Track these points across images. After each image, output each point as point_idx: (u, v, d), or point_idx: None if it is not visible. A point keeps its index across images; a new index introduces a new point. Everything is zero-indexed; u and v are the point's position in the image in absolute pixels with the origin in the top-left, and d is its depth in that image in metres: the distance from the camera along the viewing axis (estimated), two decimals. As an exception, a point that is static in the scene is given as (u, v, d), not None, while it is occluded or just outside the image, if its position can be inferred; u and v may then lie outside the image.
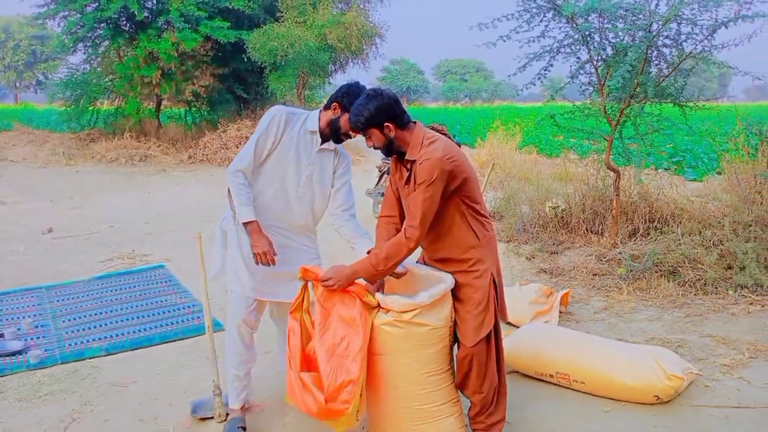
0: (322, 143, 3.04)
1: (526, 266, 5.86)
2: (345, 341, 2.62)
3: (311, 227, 3.18)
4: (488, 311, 2.74)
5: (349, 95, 2.92)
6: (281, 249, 2.97)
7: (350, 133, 2.94)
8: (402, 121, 2.71)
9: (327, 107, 3.01)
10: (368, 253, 2.81)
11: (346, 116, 2.89)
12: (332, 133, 3.00)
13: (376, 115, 2.66)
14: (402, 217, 2.92)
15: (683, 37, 5.24)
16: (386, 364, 2.72)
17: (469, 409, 2.89)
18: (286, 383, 2.73)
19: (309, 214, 3.11)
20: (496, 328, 2.82)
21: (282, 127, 2.95)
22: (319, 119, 3.01)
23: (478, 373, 2.76)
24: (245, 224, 2.90)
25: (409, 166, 2.71)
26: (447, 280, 2.76)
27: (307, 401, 2.62)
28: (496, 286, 2.79)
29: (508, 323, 4.45)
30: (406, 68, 70.58)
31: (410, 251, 2.67)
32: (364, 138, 2.77)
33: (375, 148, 2.77)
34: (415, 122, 2.76)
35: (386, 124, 2.67)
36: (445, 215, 2.72)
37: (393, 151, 2.76)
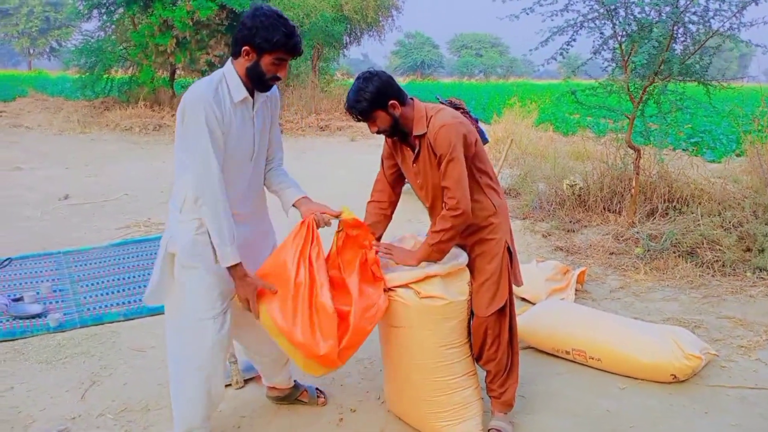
0: (254, 100, 2.48)
1: (542, 243, 5.83)
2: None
3: (263, 194, 2.73)
4: (502, 281, 2.74)
5: (259, 31, 2.29)
6: (247, 248, 2.49)
7: (278, 76, 2.40)
8: (404, 97, 2.63)
9: (236, 55, 2.38)
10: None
11: (266, 58, 2.33)
12: (256, 83, 2.41)
13: (378, 96, 2.55)
14: (392, 203, 2.91)
15: (711, 13, 5.13)
16: (404, 337, 2.73)
17: (486, 377, 2.90)
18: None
19: (259, 180, 2.66)
20: (509, 296, 2.82)
21: (218, 112, 2.32)
22: (238, 75, 2.40)
23: (492, 341, 2.78)
24: (228, 268, 2.39)
25: (417, 142, 2.65)
26: (461, 256, 2.76)
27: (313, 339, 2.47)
28: (510, 253, 2.79)
29: (524, 299, 4.46)
30: (421, 42, 69.81)
31: (463, 220, 2.60)
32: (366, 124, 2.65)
33: (379, 132, 2.65)
34: (412, 98, 2.69)
35: (390, 102, 2.57)
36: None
37: (398, 131, 2.66)
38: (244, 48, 2.33)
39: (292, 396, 3.07)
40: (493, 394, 2.90)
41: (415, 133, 2.63)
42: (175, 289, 2.49)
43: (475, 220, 2.73)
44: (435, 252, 2.65)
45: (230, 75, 2.40)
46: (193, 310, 2.46)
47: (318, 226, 2.59)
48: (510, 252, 2.79)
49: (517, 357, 2.91)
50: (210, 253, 2.41)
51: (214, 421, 2.86)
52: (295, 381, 3.07)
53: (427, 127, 2.60)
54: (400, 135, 2.69)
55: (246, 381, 3.29)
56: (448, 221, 2.59)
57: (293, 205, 2.68)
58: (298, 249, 2.50)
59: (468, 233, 2.78)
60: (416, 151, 2.67)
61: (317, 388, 3.14)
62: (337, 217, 2.66)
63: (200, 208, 2.35)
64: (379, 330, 2.89)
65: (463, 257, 2.76)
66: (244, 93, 2.41)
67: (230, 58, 2.43)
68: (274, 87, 2.62)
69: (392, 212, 2.94)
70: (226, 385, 3.22)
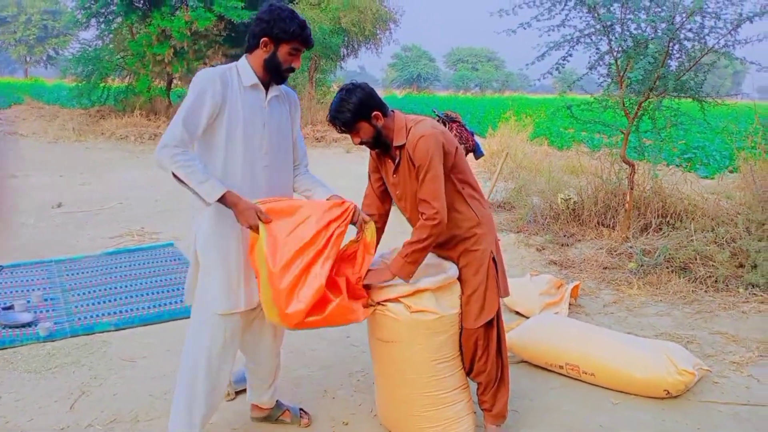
0: (267, 92, 2.56)
1: (536, 257, 5.83)
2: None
3: (289, 190, 2.75)
4: (489, 293, 2.74)
5: (277, 22, 2.42)
6: None
7: (293, 67, 2.52)
8: (385, 108, 2.66)
9: (252, 48, 2.50)
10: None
11: (283, 48, 2.45)
12: (273, 75, 2.52)
13: (362, 107, 2.58)
14: (382, 216, 2.90)
15: (707, 30, 5.18)
16: (396, 351, 2.72)
17: (477, 389, 2.90)
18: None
19: (285, 181, 2.68)
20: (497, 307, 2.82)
21: (219, 89, 2.40)
22: (252, 67, 2.51)
23: (482, 353, 2.78)
24: (220, 200, 2.38)
25: (397, 153, 2.67)
26: (450, 270, 2.75)
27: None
28: (496, 264, 2.78)
29: (517, 313, 4.45)
30: (417, 55, 70.24)
31: (437, 231, 2.60)
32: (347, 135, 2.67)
33: (362, 143, 2.67)
34: (393, 110, 2.72)
35: (374, 113, 2.60)
36: (446, 194, 2.68)
37: (381, 143, 2.68)
38: (262, 39, 2.45)
39: (274, 416, 3.01)
40: (485, 407, 2.89)
41: (395, 143, 2.65)
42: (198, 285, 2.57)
43: (458, 231, 2.74)
44: (409, 263, 2.63)
45: (241, 64, 2.53)
46: (205, 306, 2.53)
47: (353, 219, 2.61)
48: (495, 262, 2.78)
49: (507, 368, 2.91)
50: (224, 242, 2.48)
51: (204, 433, 2.84)
52: (278, 400, 3.03)
53: (407, 137, 2.62)
54: (382, 147, 2.70)
55: (237, 393, 3.26)
56: (424, 231, 2.60)
57: None
58: (326, 219, 2.50)
59: (452, 245, 2.78)
60: (396, 162, 2.68)
61: (301, 409, 3.07)
62: (362, 228, 2.67)
63: (162, 160, 2.34)
64: (370, 344, 2.88)
65: (453, 270, 2.75)
66: (255, 79, 2.50)
67: (244, 54, 2.55)
68: (293, 92, 2.75)
69: (383, 224, 2.93)
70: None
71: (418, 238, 2.61)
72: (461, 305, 2.76)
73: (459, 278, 2.77)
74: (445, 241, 2.78)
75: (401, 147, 2.64)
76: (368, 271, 2.68)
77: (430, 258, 2.88)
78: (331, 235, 2.49)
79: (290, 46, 2.47)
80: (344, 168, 11.00)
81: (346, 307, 2.52)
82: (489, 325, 2.76)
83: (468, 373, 2.86)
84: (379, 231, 2.89)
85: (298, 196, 2.78)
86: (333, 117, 2.64)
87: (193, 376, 2.57)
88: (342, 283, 2.55)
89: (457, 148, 2.72)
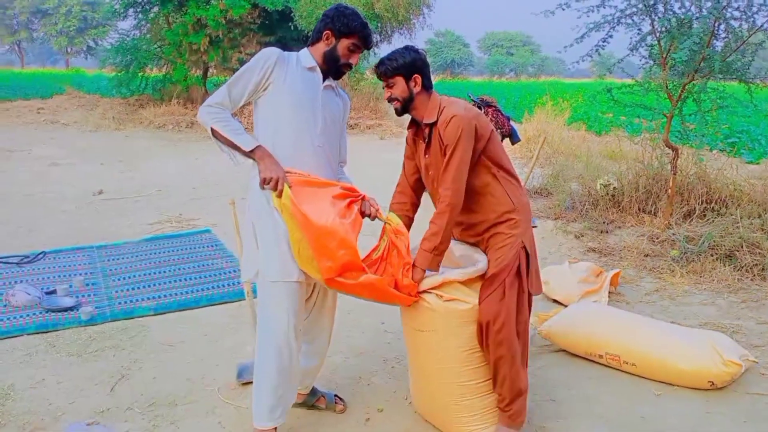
0: (324, 80, 2.64)
1: (575, 244, 5.72)
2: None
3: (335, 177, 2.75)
4: (507, 282, 2.60)
5: (340, 17, 2.58)
6: None
7: (351, 63, 2.64)
8: (428, 82, 2.68)
9: (316, 40, 2.63)
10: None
11: (343, 42, 2.58)
12: (331, 67, 2.63)
13: (409, 64, 2.62)
14: (413, 205, 2.87)
15: (755, 8, 4.96)
16: (431, 340, 2.69)
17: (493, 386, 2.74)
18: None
19: (329, 168, 2.67)
20: (526, 299, 2.69)
21: (271, 65, 2.51)
22: (313, 56, 2.63)
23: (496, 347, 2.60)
24: (251, 154, 2.49)
25: (428, 131, 2.66)
26: (480, 262, 2.68)
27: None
28: (528, 255, 2.68)
29: (555, 301, 4.37)
30: (451, 40, 69.52)
31: (453, 216, 2.58)
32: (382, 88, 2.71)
33: (391, 100, 2.70)
34: (434, 91, 2.72)
35: (415, 75, 2.64)
36: (477, 179, 2.66)
37: (408, 110, 2.69)
38: (325, 32, 2.59)
39: (309, 402, 3.00)
40: (501, 405, 2.70)
41: (426, 120, 2.65)
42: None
43: (491, 215, 2.69)
44: (435, 255, 2.60)
45: (302, 52, 2.65)
46: (271, 276, 2.53)
47: (362, 209, 2.62)
48: (527, 253, 2.68)
49: (526, 369, 2.73)
50: (274, 215, 2.50)
51: (238, 418, 2.86)
52: (313, 387, 3.01)
53: (438, 116, 2.60)
54: (409, 114, 2.71)
55: (244, 384, 3.26)
56: (440, 218, 2.58)
57: None
58: (342, 191, 2.56)
59: (483, 228, 2.72)
60: (427, 140, 2.67)
61: (336, 395, 3.06)
62: (382, 219, 2.68)
63: (202, 117, 2.51)
64: (404, 333, 2.86)
65: (483, 263, 2.68)
66: (313, 63, 2.61)
67: (308, 47, 2.67)
68: (347, 96, 2.83)
69: (414, 214, 2.90)
70: (251, 383, 3.22)
71: (438, 229, 2.58)
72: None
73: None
74: (476, 223, 2.73)
75: (433, 125, 2.63)
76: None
77: (461, 248, 2.83)
78: (350, 204, 2.55)
79: (350, 42, 2.58)
80: (376, 156, 10.96)
81: (383, 289, 2.52)
82: (507, 312, 2.58)
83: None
84: (409, 221, 2.85)
85: None
86: (382, 60, 2.69)
87: (276, 349, 2.54)
88: (385, 282, 2.54)
89: (492, 131, 2.67)
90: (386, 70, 2.65)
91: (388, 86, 2.68)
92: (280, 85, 2.53)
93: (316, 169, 2.57)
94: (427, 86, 2.67)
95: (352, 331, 3.90)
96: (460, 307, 2.61)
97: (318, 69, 2.61)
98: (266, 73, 2.51)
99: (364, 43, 2.64)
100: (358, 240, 2.47)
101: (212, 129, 2.49)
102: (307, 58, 2.62)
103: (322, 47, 2.62)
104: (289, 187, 2.44)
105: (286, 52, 2.61)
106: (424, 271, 2.63)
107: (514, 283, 2.62)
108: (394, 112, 2.76)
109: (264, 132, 2.57)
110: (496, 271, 2.61)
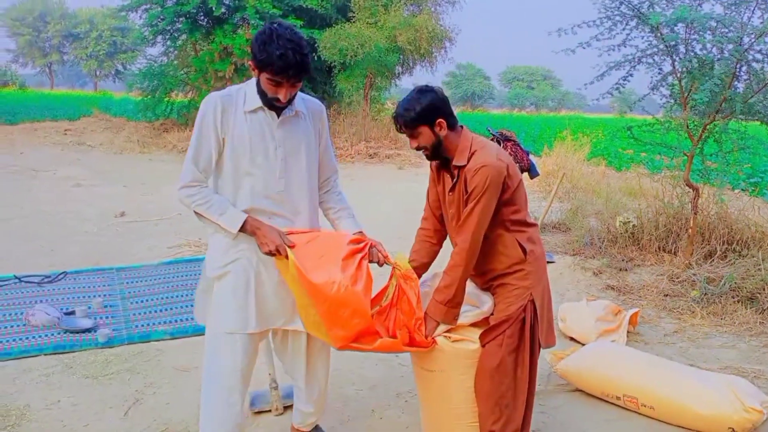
0: (278, 115, 2.37)
1: (593, 281, 5.66)
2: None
3: (313, 209, 2.57)
4: (501, 337, 2.53)
5: (257, 43, 2.19)
6: None
7: (278, 96, 2.25)
8: (453, 120, 2.55)
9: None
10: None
11: (263, 75, 2.23)
12: (264, 101, 2.32)
13: (429, 111, 2.48)
14: (438, 233, 2.78)
15: (778, 51, 4.96)
16: (439, 380, 2.67)
17: None
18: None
19: (305, 202, 2.49)
20: (527, 356, 2.58)
21: (220, 116, 2.30)
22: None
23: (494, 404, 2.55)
24: (242, 232, 2.35)
25: (456, 172, 2.55)
26: (485, 305, 2.65)
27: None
28: (536, 310, 2.57)
29: (572, 339, 4.32)
30: (472, 73, 70.01)
31: (468, 268, 2.53)
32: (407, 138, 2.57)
33: (418, 149, 2.57)
34: (462, 126, 2.59)
35: (438, 120, 2.50)
36: (490, 231, 2.54)
37: (439, 155, 2.57)
38: (249, 62, 2.29)
39: None
40: None
41: (455, 163, 2.53)
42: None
43: (498, 265, 2.60)
44: (450, 308, 2.55)
45: (250, 84, 2.38)
46: (215, 325, 2.46)
47: (370, 258, 2.54)
48: (535, 310, 2.57)
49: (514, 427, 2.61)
50: (234, 263, 2.40)
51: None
52: (317, 425, 2.93)
53: (468, 160, 2.49)
54: (441, 160, 2.61)
55: (285, 408, 3.26)
56: (453, 272, 2.51)
57: None
58: (350, 249, 2.44)
59: (490, 277, 2.65)
60: (454, 181, 2.56)
61: None
62: (390, 263, 2.62)
63: (182, 199, 2.38)
64: (414, 372, 2.85)
65: (489, 304, 2.64)
66: (257, 103, 2.34)
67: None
68: (318, 102, 2.59)
69: (438, 242, 2.81)
70: (265, 411, 3.22)
71: (451, 281, 2.52)
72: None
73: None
74: (484, 272, 2.66)
75: (461, 167, 2.52)
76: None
77: (469, 287, 2.75)
78: (360, 263, 2.43)
79: (266, 76, 2.22)
80: (393, 187, 11.00)
81: (398, 347, 2.49)
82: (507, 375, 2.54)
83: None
84: (433, 246, 2.79)
85: (323, 215, 2.72)
86: (397, 114, 2.54)
87: (211, 395, 2.50)
88: (403, 335, 2.50)
89: (520, 181, 2.58)
90: (406, 123, 2.52)
91: (413, 137, 2.55)
92: (229, 137, 2.33)
93: (290, 214, 2.45)
94: (452, 125, 2.55)
95: (365, 363, 3.88)
96: (467, 347, 2.60)
97: (265, 110, 2.35)
98: (217, 127, 2.32)
99: (281, 75, 2.20)
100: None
101: (195, 212, 2.40)
102: (252, 95, 2.34)
103: (254, 78, 2.35)
104: (291, 249, 2.32)
105: (230, 93, 2.35)
106: (438, 323, 2.58)
107: (515, 335, 2.54)
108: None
109: (224, 190, 2.41)
110: (497, 323, 2.55)
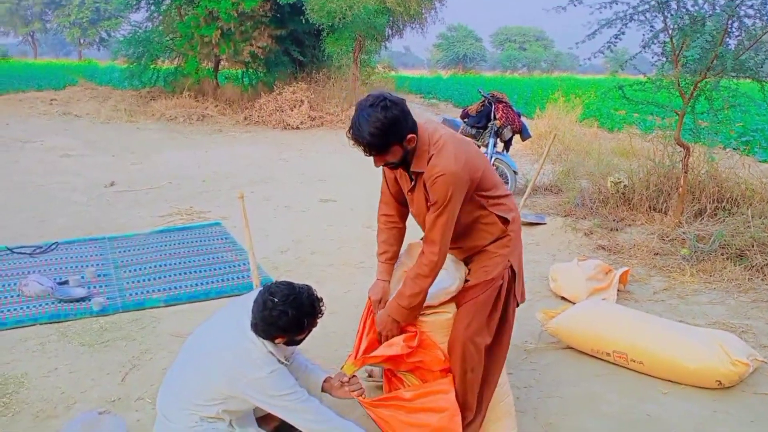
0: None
1: (584, 242, 5.71)
2: None
3: None
4: (490, 311, 2.56)
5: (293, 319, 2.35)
6: None
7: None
8: (413, 124, 2.34)
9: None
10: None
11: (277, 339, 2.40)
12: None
13: (397, 128, 2.27)
14: (401, 214, 2.72)
15: (769, 7, 4.91)
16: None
17: None
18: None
19: None
20: (498, 317, 2.60)
21: None
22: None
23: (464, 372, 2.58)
24: None
25: (414, 176, 2.43)
26: (454, 283, 2.62)
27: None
28: (514, 274, 2.60)
29: (564, 298, 4.38)
30: (463, 35, 69.21)
31: (435, 276, 2.48)
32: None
33: (385, 165, 2.41)
34: (415, 124, 2.38)
35: (409, 135, 2.30)
36: (467, 216, 2.50)
37: (405, 162, 2.40)
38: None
39: None
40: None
41: (413, 169, 2.40)
42: None
43: (481, 241, 2.58)
44: (410, 310, 2.52)
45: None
46: None
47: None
48: (514, 273, 2.60)
49: (487, 404, 2.66)
50: None
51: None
52: None
53: (426, 164, 2.35)
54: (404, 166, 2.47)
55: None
56: (420, 281, 2.45)
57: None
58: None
59: (473, 251, 2.63)
60: (413, 184, 2.46)
61: None
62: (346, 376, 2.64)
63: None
64: None
65: (456, 285, 2.61)
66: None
67: None
68: None
69: (403, 221, 2.75)
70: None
71: (419, 290, 2.46)
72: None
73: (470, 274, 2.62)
74: (467, 248, 2.63)
75: (419, 173, 2.40)
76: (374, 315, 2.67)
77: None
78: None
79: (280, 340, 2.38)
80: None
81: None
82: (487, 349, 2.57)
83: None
84: (400, 231, 2.75)
85: None
86: (361, 138, 2.26)
87: None
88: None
89: (482, 171, 2.47)
90: (377, 149, 2.29)
91: (380, 157, 2.34)
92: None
93: None
94: (416, 130, 2.35)
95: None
96: (442, 317, 2.63)
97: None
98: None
99: (290, 341, 2.41)
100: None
101: None
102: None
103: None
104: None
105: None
106: (399, 323, 2.57)
107: (490, 300, 2.55)
108: None
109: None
110: (476, 283, 2.55)
